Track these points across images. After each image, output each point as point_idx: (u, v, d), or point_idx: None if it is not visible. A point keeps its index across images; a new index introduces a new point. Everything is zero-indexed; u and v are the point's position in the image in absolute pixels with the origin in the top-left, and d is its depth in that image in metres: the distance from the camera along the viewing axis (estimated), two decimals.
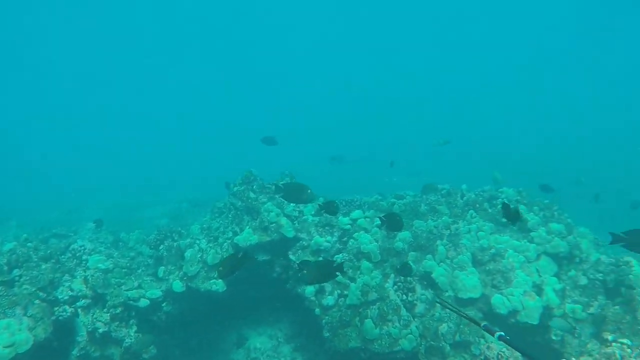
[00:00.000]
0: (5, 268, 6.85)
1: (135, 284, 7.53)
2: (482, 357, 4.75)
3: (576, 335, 6.73)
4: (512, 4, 43.37)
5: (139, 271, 8.01)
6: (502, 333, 1.92)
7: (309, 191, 6.21)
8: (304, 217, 7.96)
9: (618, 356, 5.18)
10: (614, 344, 5.63)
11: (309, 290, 7.21)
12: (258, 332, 8.52)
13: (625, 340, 5.63)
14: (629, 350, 5.47)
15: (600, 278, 7.01)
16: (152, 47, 51.73)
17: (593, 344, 6.46)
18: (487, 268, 7.22)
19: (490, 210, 8.09)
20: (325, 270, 4.61)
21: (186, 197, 14.58)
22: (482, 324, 2.14)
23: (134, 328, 7.20)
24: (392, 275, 7.12)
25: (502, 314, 6.72)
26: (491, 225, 7.78)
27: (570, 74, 44.75)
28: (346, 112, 46.98)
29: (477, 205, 8.21)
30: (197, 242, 8.11)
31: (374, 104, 47.98)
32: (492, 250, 7.34)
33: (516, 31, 46.57)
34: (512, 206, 4.98)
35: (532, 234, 7.57)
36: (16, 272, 6.88)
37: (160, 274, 7.81)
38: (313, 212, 8.10)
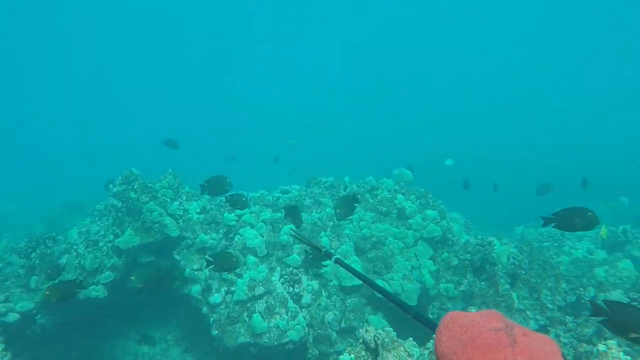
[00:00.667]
0: None
1: (2, 297, 6.97)
2: (361, 340, 5.00)
3: (449, 312, 7.37)
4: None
5: (7, 283, 7.42)
6: (339, 256, 2.10)
7: (228, 180, 6.25)
8: (188, 216, 7.85)
9: None
10: None
11: (195, 289, 7.15)
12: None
13: None
14: None
15: (469, 258, 7.68)
16: None
17: None
18: (369, 256, 7.61)
19: (371, 201, 8.52)
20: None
21: (65, 200, 13.65)
22: (323, 250, 2.32)
23: (1, 346, 6.68)
24: (279, 269, 7.27)
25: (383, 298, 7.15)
26: (372, 215, 8.19)
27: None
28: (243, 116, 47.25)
29: (359, 196, 8.61)
30: (75, 247, 7.68)
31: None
32: (374, 239, 7.75)
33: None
34: (352, 193, 5.35)
35: (409, 221, 8.10)
36: None
37: (33, 285, 7.30)
38: (198, 210, 8.01)
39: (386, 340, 4.61)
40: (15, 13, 41.21)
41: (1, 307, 6.76)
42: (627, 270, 8.26)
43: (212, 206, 8.27)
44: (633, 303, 6.30)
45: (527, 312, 7.18)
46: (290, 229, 7.06)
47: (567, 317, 7.10)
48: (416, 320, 1.21)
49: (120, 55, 50.97)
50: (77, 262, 7.42)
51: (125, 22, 46.89)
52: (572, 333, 6.21)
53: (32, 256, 7.65)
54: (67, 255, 7.47)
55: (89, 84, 51.40)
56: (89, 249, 7.61)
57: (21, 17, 42.15)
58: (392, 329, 4.74)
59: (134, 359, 7.92)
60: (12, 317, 6.80)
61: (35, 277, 7.36)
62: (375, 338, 4.70)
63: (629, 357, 4.69)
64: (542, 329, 6.87)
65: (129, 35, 49.01)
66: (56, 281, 6.76)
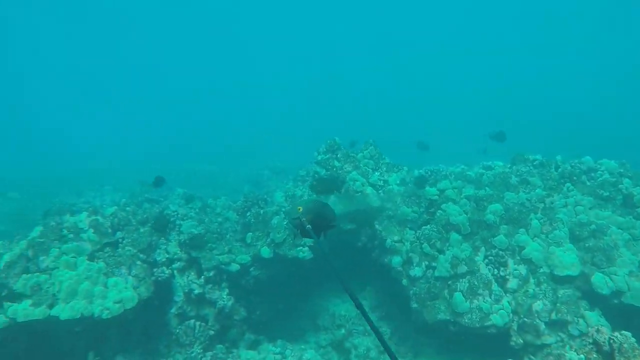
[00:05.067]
0: (110, 231, 7.48)
1: (226, 249, 7.95)
2: (591, 340, 4.61)
3: None
4: None
5: (228, 236, 8.43)
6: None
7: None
8: (389, 187, 8.00)
9: None
10: None
11: (396, 260, 7.31)
12: (342, 300, 8.77)
13: None
14: None
15: None
16: None
17: None
18: (587, 245, 6.93)
19: (589, 184, 7.71)
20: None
21: (267, 164, 14.97)
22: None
23: (226, 291, 7.67)
24: (483, 249, 7.04)
25: (604, 294, 6.47)
26: (590, 199, 7.41)
27: None
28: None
29: (575, 177, 7.84)
30: (282, 209, 8.40)
31: None
32: (592, 226, 7.02)
33: None
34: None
35: (638, 209, 7.16)
36: (119, 234, 7.50)
37: (249, 240, 8.18)
38: (398, 182, 8.11)
39: (625, 346, 4.15)
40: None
41: (226, 257, 7.72)
42: None
43: (411, 178, 8.30)
44: None
45: None
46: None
47: None
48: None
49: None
50: (285, 223, 8.11)
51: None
52: None
53: (247, 215, 8.57)
54: (276, 216, 8.20)
55: None
56: None
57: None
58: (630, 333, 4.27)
59: (331, 319, 8.48)
60: (234, 267, 7.72)
61: (251, 233, 8.23)
62: (611, 341, 4.27)
63: None
64: None
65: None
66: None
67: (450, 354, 7.18)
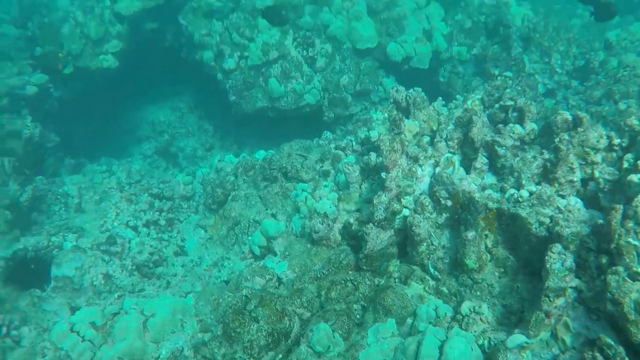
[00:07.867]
0: None
1: (15, 70, 6.98)
2: (391, 100, 5.20)
3: (460, 75, 7.68)
4: None
5: (12, 54, 7.35)
6: None
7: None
8: None
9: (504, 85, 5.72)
10: (499, 77, 6.40)
11: (207, 55, 7.22)
12: (158, 107, 8.58)
13: (507, 73, 6.43)
14: (510, 81, 6.18)
15: (483, 20, 7.66)
16: None
17: (476, 80, 7.45)
18: (382, 17, 7.46)
19: None
20: None
21: None
22: None
23: (29, 118, 6.93)
24: (291, 31, 7.24)
25: (397, 61, 7.34)
26: None
27: None
28: None
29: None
30: (71, 14, 7.42)
31: None
32: None
33: None
34: None
35: None
36: None
37: (38, 54, 7.27)
38: None
39: (417, 99, 4.75)
40: None
41: (17, 80, 6.83)
42: None
43: None
44: None
45: (537, 76, 7.46)
46: None
47: (572, 80, 7.38)
48: None
49: None
50: (78, 30, 7.26)
51: None
52: (581, 95, 6.64)
53: (28, 26, 7.43)
54: (66, 24, 7.26)
55: None
56: (88, 16, 7.36)
57: None
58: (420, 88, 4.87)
59: (151, 127, 8.38)
60: (31, 89, 6.91)
61: (39, 47, 7.26)
62: (407, 97, 4.87)
63: None
64: (549, 92, 7.24)
65: None
66: None
67: (271, 139, 7.68)
